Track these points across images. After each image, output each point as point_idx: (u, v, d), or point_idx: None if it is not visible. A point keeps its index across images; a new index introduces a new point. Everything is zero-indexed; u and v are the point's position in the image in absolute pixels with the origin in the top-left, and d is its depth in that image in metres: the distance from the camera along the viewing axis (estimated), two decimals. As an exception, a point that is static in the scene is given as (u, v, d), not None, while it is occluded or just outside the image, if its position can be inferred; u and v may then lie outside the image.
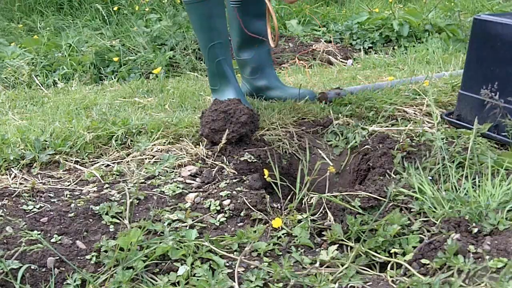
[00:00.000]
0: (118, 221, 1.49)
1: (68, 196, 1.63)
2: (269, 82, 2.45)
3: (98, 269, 1.30)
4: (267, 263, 1.33)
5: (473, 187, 1.50)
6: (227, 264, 1.33)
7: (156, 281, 1.26)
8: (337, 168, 1.99)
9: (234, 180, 1.71)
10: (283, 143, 2.00)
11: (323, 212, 1.54)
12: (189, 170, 1.78)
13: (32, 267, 1.27)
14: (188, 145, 1.95)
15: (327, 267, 1.33)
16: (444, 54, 3.44)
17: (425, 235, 1.35)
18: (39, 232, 1.40)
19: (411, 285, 1.19)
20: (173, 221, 1.49)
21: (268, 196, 1.62)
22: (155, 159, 1.86)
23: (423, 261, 1.27)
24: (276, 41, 1.79)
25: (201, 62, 3.51)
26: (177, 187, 1.66)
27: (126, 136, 1.99)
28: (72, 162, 1.86)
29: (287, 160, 1.97)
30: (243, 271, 1.30)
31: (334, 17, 4.49)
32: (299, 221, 1.50)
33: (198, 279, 1.25)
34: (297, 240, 1.43)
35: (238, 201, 1.57)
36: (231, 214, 1.54)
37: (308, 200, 1.60)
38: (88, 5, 4.39)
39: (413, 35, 4.05)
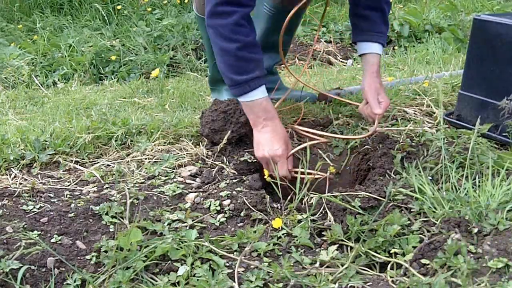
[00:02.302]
0: (118, 221, 1.49)
1: (68, 196, 1.63)
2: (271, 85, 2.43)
3: (98, 269, 1.30)
4: (267, 263, 1.33)
5: (473, 187, 1.50)
6: (227, 264, 1.33)
7: (156, 281, 1.26)
8: (337, 168, 1.99)
9: (234, 180, 1.71)
10: (283, 143, 2.00)
11: (323, 212, 1.53)
12: (189, 170, 1.78)
13: (32, 268, 1.27)
14: (188, 145, 1.95)
15: (327, 267, 1.33)
16: (444, 54, 3.44)
17: (425, 235, 1.35)
18: (39, 232, 1.40)
19: (411, 285, 1.19)
20: (173, 221, 1.49)
21: (268, 196, 1.62)
22: (155, 159, 1.86)
23: (423, 261, 1.27)
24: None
25: (201, 62, 3.51)
26: (177, 187, 1.66)
27: (126, 136, 1.99)
28: (72, 162, 1.86)
29: (287, 160, 1.97)
30: (243, 271, 1.30)
31: (334, 17, 4.49)
32: (299, 221, 1.50)
33: (198, 279, 1.25)
34: (297, 240, 1.43)
35: (238, 201, 1.57)
36: (231, 214, 1.54)
37: (308, 200, 1.60)
38: (88, 5, 4.38)
39: (413, 35, 4.05)
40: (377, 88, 1.96)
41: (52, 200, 1.61)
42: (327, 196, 1.55)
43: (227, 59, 1.75)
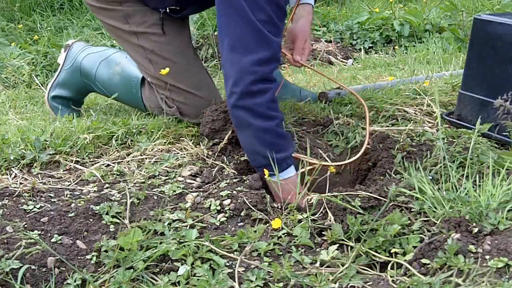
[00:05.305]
0: (118, 221, 1.49)
1: (68, 196, 1.64)
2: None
3: (98, 269, 1.30)
4: (267, 263, 1.33)
5: (473, 187, 1.50)
6: (228, 264, 1.33)
7: (157, 281, 1.26)
8: (337, 168, 1.99)
9: (235, 180, 1.71)
10: (284, 143, 2.00)
11: (324, 212, 1.54)
12: (189, 170, 1.78)
13: (33, 267, 1.27)
14: (189, 145, 1.95)
15: (328, 267, 1.33)
16: (444, 54, 3.44)
17: (425, 235, 1.35)
18: (40, 232, 1.40)
19: (411, 285, 1.19)
20: (174, 221, 1.49)
21: (269, 195, 1.62)
22: (155, 159, 1.86)
23: (424, 261, 1.27)
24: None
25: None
26: (178, 187, 1.66)
27: (127, 136, 1.99)
28: (72, 162, 1.86)
29: (287, 160, 1.97)
30: (243, 271, 1.30)
31: (335, 17, 4.49)
32: (300, 221, 1.50)
33: (198, 279, 1.25)
34: (297, 240, 1.43)
35: (239, 201, 1.57)
36: (232, 214, 1.54)
37: (308, 200, 1.60)
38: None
39: (413, 35, 4.05)
40: (308, 34, 1.99)
41: (53, 200, 1.61)
42: (328, 195, 1.55)
43: (267, 138, 1.66)
